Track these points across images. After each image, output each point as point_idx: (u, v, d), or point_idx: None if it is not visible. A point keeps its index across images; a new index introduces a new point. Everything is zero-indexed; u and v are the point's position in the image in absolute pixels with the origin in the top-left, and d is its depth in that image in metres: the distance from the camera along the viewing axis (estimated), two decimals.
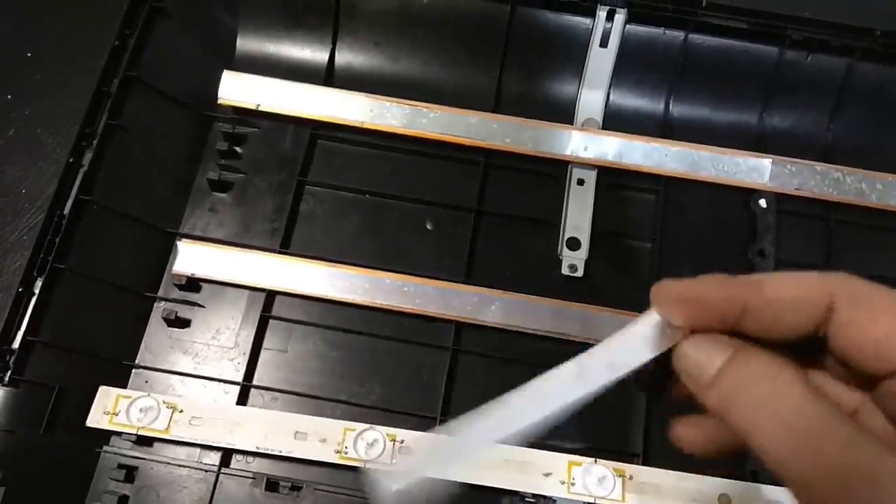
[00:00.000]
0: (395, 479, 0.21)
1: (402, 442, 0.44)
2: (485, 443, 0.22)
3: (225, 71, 0.53)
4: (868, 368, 0.18)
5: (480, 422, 0.22)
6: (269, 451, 0.44)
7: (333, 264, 0.50)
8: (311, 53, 0.56)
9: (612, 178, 0.53)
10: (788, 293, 0.19)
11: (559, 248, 0.51)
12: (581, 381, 0.22)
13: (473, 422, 0.22)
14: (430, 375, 0.48)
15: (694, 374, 0.19)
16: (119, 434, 0.45)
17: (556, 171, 0.53)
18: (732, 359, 0.18)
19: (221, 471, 0.45)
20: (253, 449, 0.44)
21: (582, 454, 0.45)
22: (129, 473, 0.45)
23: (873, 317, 0.18)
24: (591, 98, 0.55)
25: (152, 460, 0.45)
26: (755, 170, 0.52)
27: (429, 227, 0.52)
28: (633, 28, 0.54)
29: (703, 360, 0.18)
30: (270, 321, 0.50)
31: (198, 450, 0.46)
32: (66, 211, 0.46)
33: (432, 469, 0.22)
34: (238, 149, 0.54)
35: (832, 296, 0.18)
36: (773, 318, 0.19)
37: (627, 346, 0.22)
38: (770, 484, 0.44)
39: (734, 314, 0.19)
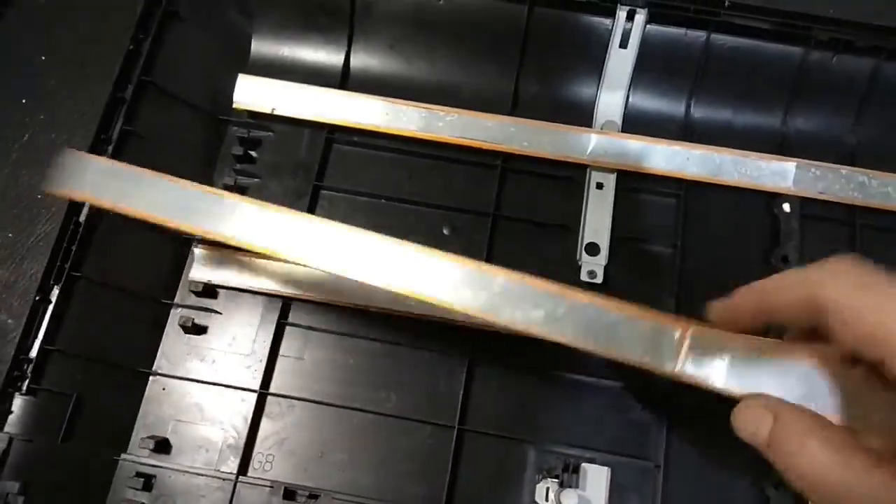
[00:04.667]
0: None
1: None
2: None
3: (240, 75, 0.53)
4: (867, 357, 0.21)
5: None
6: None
7: None
8: (326, 56, 0.55)
9: (631, 182, 0.52)
10: (780, 299, 0.23)
11: (578, 253, 0.50)
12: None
13: None
14: (447, 383, 0.48)
15: (752, 440, 0.22)
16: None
17: (574, 174, 0.52)
18: (776, 423, 0.21)
19: (239, 479, 0.45)
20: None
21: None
22: (148, 482, 0.45)
23: (864, 310, 0.21)
24: (611, 100, 0.54)
25: (170, 468, 0.45)
26: (778, 173, 0.51)
27: (445, 231, 0.52)
28: (654, 28, 0.52)
29: (754, 428, 0.22)
30: (287, 328, 0.49)
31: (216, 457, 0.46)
32: (83, 218, 0.46)
33: None
34: (253, 153, 0.53)
35: (818, 297, 0.21)
36: (782, 319, 0.24)
37: None
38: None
39: (760, 318, 0.24)
